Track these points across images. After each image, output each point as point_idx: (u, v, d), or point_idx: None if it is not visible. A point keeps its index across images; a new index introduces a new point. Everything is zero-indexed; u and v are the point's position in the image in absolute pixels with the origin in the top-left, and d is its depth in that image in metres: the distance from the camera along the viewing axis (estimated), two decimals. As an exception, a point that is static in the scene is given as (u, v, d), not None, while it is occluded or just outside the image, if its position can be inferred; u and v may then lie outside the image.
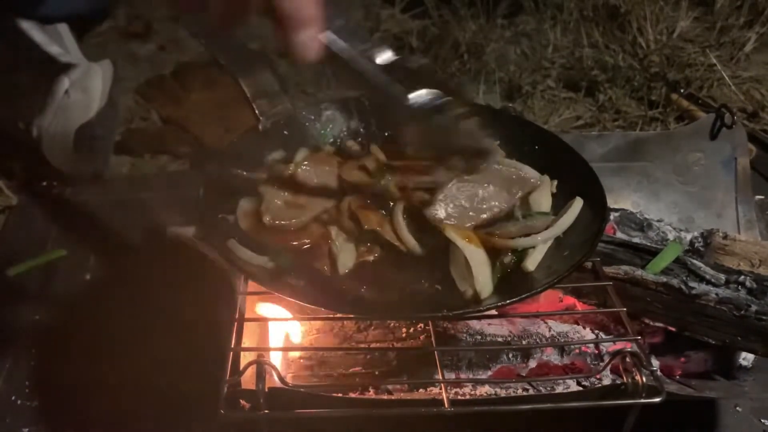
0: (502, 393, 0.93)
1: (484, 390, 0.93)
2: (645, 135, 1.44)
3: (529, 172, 0.95)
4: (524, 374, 0.99)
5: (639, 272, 0.97)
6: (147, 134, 1.66)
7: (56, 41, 1.49)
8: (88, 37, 1.66)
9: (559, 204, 0.91)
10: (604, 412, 0.80)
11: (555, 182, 0.94)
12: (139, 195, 1.43)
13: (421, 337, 0.99)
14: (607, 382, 0.93)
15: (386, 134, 1.03)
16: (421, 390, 0.95)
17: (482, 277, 0.79)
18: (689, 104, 1.71)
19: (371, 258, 0.85)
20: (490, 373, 0.99)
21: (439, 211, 0.84)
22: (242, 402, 0.77)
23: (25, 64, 1.45)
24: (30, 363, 1.10)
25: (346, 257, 0.84)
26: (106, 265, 1.28)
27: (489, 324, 1.00)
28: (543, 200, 0.92)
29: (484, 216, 0.86)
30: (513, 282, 0.82)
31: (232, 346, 0.79)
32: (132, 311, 1.16)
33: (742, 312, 0.93)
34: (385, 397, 0.94)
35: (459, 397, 0.91)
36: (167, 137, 1.65)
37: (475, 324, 1.00)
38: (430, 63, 0.80)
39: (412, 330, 1.00)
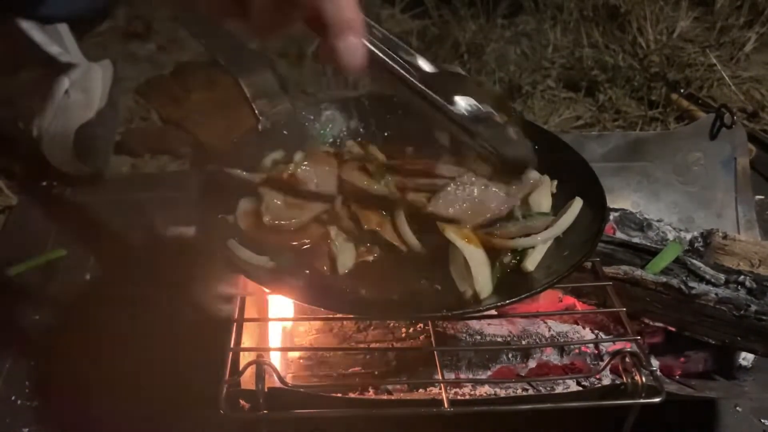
0: (502, 393, 0.93)
1: (484, 390, 0.93)
2: (645, 135, 1.43)
3: (530, 173, 0.95)
4: (524, 374, 0.99)
5: (639, 272, 0.97)
6: (147, 134, 1.66)
7: (56, 41, 1.49)
8: (88, 37, 1.66)
9: (559, 204, 0.91)
10: (604, 412, 0.80)
11: (555, 182, 0.94)
12: (139, 195, 1.43)
13: (421, 337, 0.99)
14: (606, 382, 0.93)
15: (386, 134, 1.03)
16: (420, 390, 0.95)
17: (482, 277, 0.79)
18: (689, 104, 1.71)
19: (371, 258, 0.85)
20: (489, 373, 0.99)
21: (439, 212, 0.84)
22: (242, 402, 0.77)
23: (25, 64, 1.45)
24: (30, 363, 1.10)
25: (346, 257, 0.84)
26: (106, 265, 1.28)
27: (489, 324, 1.00)
28: (543, 200, 0.92)
29: (484, 216, 0.86)
30: (513, 282, 0.82)
31: (232, 346, 0.79)
32: (132, 311, 1.16)
33: (742, 312, 0.93)
34: (385, 397, 0.94)
35: (459, 397, 0.91)
36: (167, 137, 1.65)
37: (474, 324, 1.00)
38: (471, 75, 0.80)
39: (411, 330, 1.00)
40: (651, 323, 1.00)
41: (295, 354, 0.98)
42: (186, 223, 1.25)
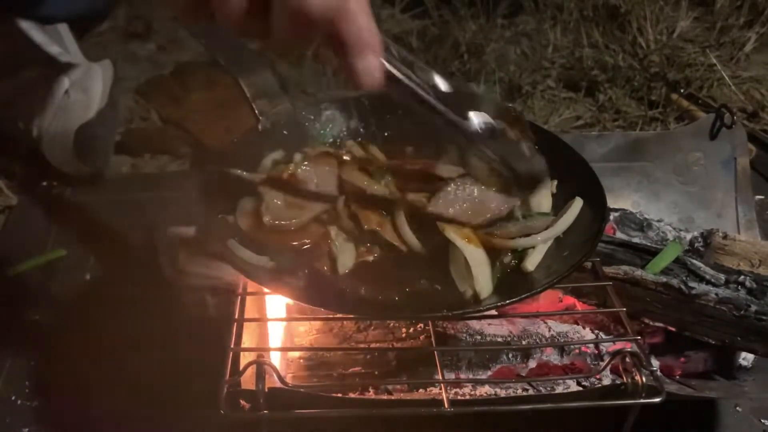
0: (502, 393, 0.93)
1: (484, 390, 0.93)
2: (645, 135, 1.43)
3: (543, 187, 0.95)
4: (524, 374, 0.99)
5: (639, 272, 0.97)
6: (147, 134, 1.66)
7: (56, 41, 1.49)
8: (88, 37, 1.66)
9: (559, 204, 0.91)
10: (604, 412, 0.80)
11: (555, 182, 0.94)
12: (139, 195, 1.43)
13: (421, 337, 0.99)
14: (607, 382, 0.93)
15: (386, 134, 1.03)
16: (420, 390, 0.95)
17: (482, 277, 0.79)
18: (689, 104, 1.71)
19: (371, 258, 0.85)
20: (489, 373, 0.99)
21: (439, 212, 0.84)
22: (242, 402, 0.77)
23: (25, 64, 1.45)
24: (30, 363, 1.10)
25: (346, 257, 0.84)
26: (106, 265, 1.28)
27: (489, 324, 1.00)
28: (543, 200, 0.92)
29: (484, 216, 0.86)
30: (513, 282, 0.82)
31: (232, 346, 0.79)
32: (132, 311, 1.16)
33: (742, 312, 0.93)
34: (385, 397, 0.94)
35: (459, 397, 0.91)
36: (167, 137, 1.65)
37: (474, 324, 1.00)
38: (484, 92, 0.83)
39: (411, 330, 1.00)
40: (651, 323, 1.00)
41: (295, 354, 0.98)
42: (186, 223, 1.25)
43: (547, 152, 0.97)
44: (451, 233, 0.81)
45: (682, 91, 1.75)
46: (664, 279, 0.96)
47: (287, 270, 0.82)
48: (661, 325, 1.00)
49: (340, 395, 0.86)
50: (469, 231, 0.82)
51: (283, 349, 0.97)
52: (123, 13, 2.08)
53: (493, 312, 0.91)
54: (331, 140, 1.03)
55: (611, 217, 1.14)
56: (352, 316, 0.96)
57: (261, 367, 0.75)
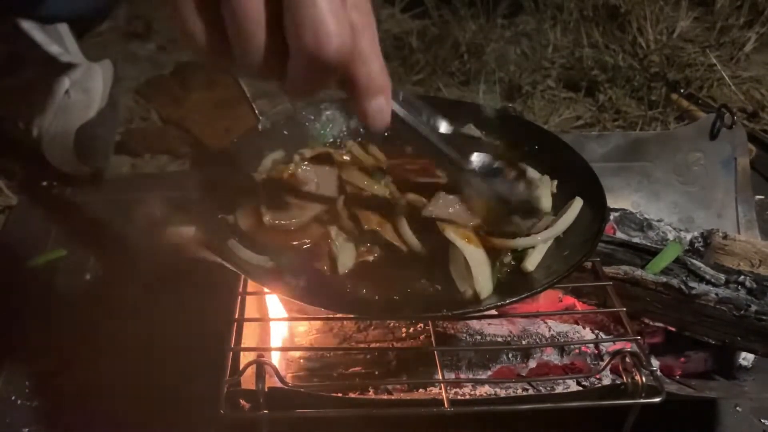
0: (502, 393, 0.93)
1: (484, 390, 0.93)
2: (645, 135, 1.44)
3: (530, 172, 0.95)
4: (524, 374, 0.99)
5: (639, 272, 0.97)
6: (147, 134, 1.66)
7: (56, 41, 1.49)
8: (89, 37, 1.66)
9: (559, 204, 0.91)
10: (604, 412, 0.80)
11: (555, 182, 0.94)
12: (139, 195, 1.43)
13: (421, 337, 0.99)
14: (606, 382, 0.93)
15: (386, 134, 1.03)
16: (420, 390, 0.95)
17: (482, 277, 0.79)
18: (689, 104, 1.71)
19: (371, 258, 0.84)
20: (489, 373, 0.99)
21: (438, 212, 0.84)
22: (242, 402, 0.77)
23: (25, 64, 1.45)
24: (30, 363, 1.10)
25: (346, 257, 0.84)
26: (106, 265, 1.28)
27: (489, 324, 1.00)
28: (543, 200, 0.92)
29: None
30: (513, 282, 0.82)
31: (232, 346, 0.79)
32: (132, 311, 1.16)
33: (742, 312, 0.93)
34: (385, 397, 0.94)
35: (459, 397, 0.91)
36: (167, 137, 1.65)
37: (474, 324, 1.00)
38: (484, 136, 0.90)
39: (411, 330, 1.00)
40: (651, 323, 1.00)
41: (295, 354, 0.98)
42: (186, 223, 1.25)
43: (547, 152, 0.98)
44: (451, 233, 0.81)
45: (682, 91, 1.75)
46: (664, 279, 0.96)
47: (287, 270, 0.82)
48: (661, 325, 1.00)
49: (340, 395, 0.86)
50: (469, 231, 0.82)
51: (283, 349, 0.97)
52: (123, 13, 2.08)
53: (493, 312, 0.91)
54: (331, 140, 1.03)
55: (611, 217, 1.14)
56: (352, 316, 0.96)
57: (261, 366, 0.75)
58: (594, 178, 0.92)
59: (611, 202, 1.05)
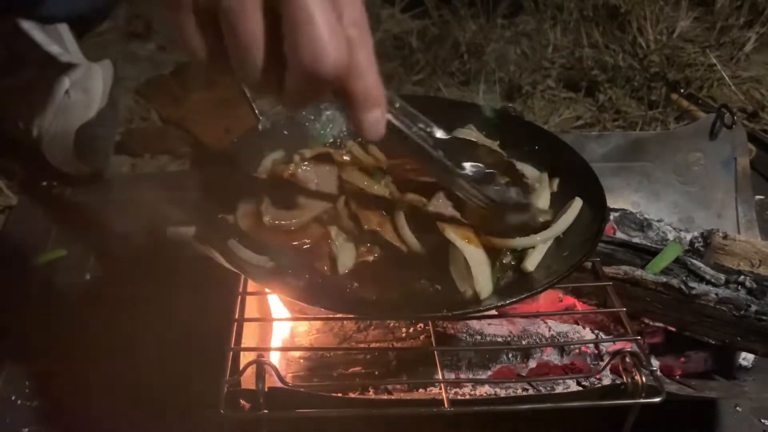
0: (502, 393, 0.93)
1: (484, 390, 0.93)
2: (645, 135, 1.44)
3: (529, 171, 0.95)
4: (524, 374, 0.99)
5: (639, 272, 0.97)
6: (147, 134, 1.66)
7: (56, 41, 1.49)
8: (89, 37, 1.66)
9: (559, 204, 0.91)
10: (604, 412, 0.80)
11: (557, 181, 0.94)
12: (139, 195, 1.43)
13: (421, 337, 0.99)
14: (606, 382, 0.93)
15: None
16: (420, 390, 0.95)
17: (482, 277, 0.79)
18: (689, 104, 1.71)
19: (371, 258, 0.85)
20: (489, 373, 0.99)
21: (438, 210, 0.84)
22: (242, 402, 0.77)
23: (25, 64, 1.45)
24: (30, 363, 1.10)
25: (346, 257, 0.84)
26: (106, 265, 1.28)
27: (489, 324, 1.00)
28: (542, 199, 0.92)
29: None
30: (513, 282, 0.82)
31: (232, 346, 0.79)
32: (132, 311, 1.16)
33: (742, 312, 0.93)
34: (385, 397, 0.94)
35: (459, 397, 0.91)
36: (167, 137, 1.65)
37: (474, 324, 1.00)
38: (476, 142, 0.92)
39: (411, 330, 1.00)
40: (651, 323, 1.00)
41: (296, 354, 0.98)
42: (186, 223, 1.25)
43: (547, 152, 0.98)
44: (451, 233, 0.81)
45: (682, 91, 1.75)
46: (664, 279, 0.96)
47: (287, 270, 0.82)
48: (661, 325, 1.00)
49: (340, 395, 0.86)
50: (469, 231, 0.82)
51: (283, 349, 0.97)
52: (123, 13, 2.08)
53: (493, 312, 0.91)
54: (331, 140, 1.03)
55: (611, 217, 1.14)
56: (352, 316, 0.96)
57: (261, 366, 0.75)
58: (594, 178, 0.92)
59: (611, 202, 1.05)
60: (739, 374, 1.04)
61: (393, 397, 0.93)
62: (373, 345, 0.99)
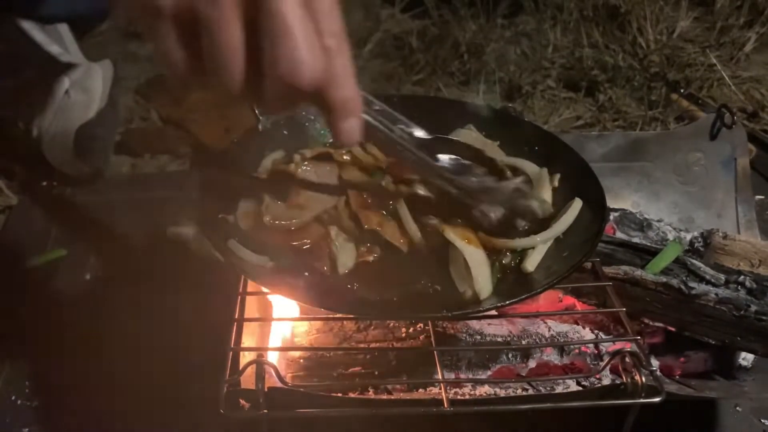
0: (502, 393, 0.93)
1: (484, 390, 0.93)
2: (645, 135, 1.44)
3: (528, 167, 0.95)
4: (524, 374, 0.99)
5: (639, 272, 0.97)
6: (147, 134, 1.66)
7: (56, 41, 1.49)
8: (89, 37, 1.66)
9: (559, 204, 0.91)
10: (604, 412, 0.80)
11: (557, 176, 0.94)
12: (139, 195, 1.43)
13: (421, 337, 0.99)
14: (606, 382, 0.93)
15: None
16: (420, 390, 0.95)
17: (482, 277, 0.79)
18: (689, 104, 1.71)
19: (371, 258, 0.85)
20: (489, 373, 0.99)
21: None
22: (242, 402, 0.77)
23: (25, 64, 1.45)
24: (30, 363, 1.10)
25: (346, 257, 0.84)
26: (106, 265, 1.28)
27: (489, 324, 1.00)
28: (543, 196, 0.92)
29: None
30: (512, 282, 0.82)
31: (232, 345, 0.79)
32: (132, 311, 1.16)
33: (742, 312, 0.93)
34: (385, 397, 0.94)
35: (458, 397, 0.91)
36: (167, 137, 1.65)
37: (474, 324, 1.00)
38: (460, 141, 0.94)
39: (411, 330, 1.00)
40: (651, 323, 1.00)
41: (295, 354, 0.98)
42: (186, 223, 1.25)
43: (547, 152, 0.98)
44: (451, 233, 0.81)
45: (682, 91, 1.75)
46: (664, 279, 0.96)
47: (287, 270, 0.82)
48: (661, 325, 1.00)
49: (340, 395, 0.86)
50: (469, 231, 0.82)
51: (283, 349, 0.97)
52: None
53: (493, 312, 0.91)
54: (331, 140, 1.03)
55: (611, 217, 1.14)
56: (352, 316, 0.96)
57: (261, 366, 0.75)
58: (594, 178, 0.92)
59: (611, 202, 1.05)
60: (739, 374, 1.04)
61: (393, 397, 0.93)
62: (372, 345, 0.99)
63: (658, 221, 1.16)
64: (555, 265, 0.82)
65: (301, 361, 0.98)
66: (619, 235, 1.12)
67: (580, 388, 0.94)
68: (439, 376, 0.82)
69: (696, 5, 2.12)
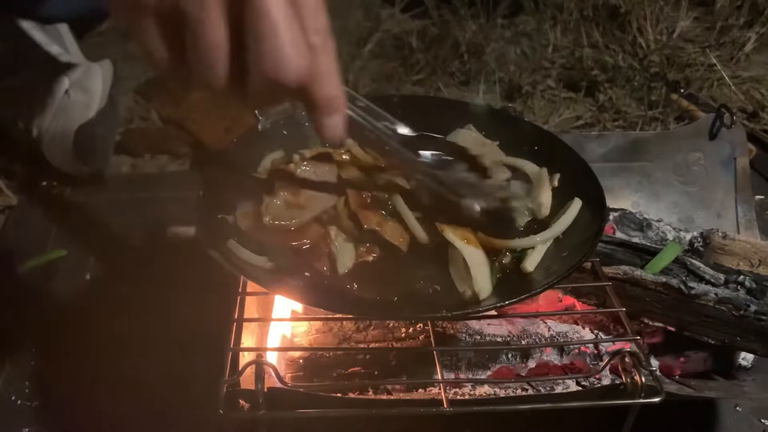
0: (502, 393, 0.93)
1: (484, 390, 0.93)
2: (645, 135, 1.44)
3: (528, 167, 0.95)
4: (523, 374, 0.99)
5: (638, 272, 0.97)
6: (147, 134, 1.66)
7: (56, 41, 1.49)
8: (88, 37, 1.66)
9: (559, 204, 0.91)
10: (604, 412, 0.80)
11: (557, 176, 0.94)
12: (139, 195, 1.43)
13: (421, 337, 0.99)
14: (606, 382, 0.93)
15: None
16: (420, 390, 0.95)
17: (481, 277, 0.79)
18: (689, 104, 1.71)
19: (371, 258, 0.84)
20: (489, 373, 0.99)
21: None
22: (241, 402, 0.77)
23: (25, 64, 1.45)
24: (30, 363, 1.10)
25: (346, 257, 0.84)
26: (106, 265, 1.29)
27: (488, 324, 1.00)
28: (543, 196, 0.92)
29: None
30: (512, 282, 0.82)
31: (231, 346, 0.79)
32: (132, 311, 1.16)
33: (742, 312, 0.93)
34: (385, 397, 0.94)
35: (458, 397, 0.91)
36: (167, 137, 1.65)
37: (474, 324, 1.00)
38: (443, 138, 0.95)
39: (411, 330, 1.00)
40: (651, 323, 1.00)
41: (295, 354, 0.98)
42: (186, 223, 1.25)
43: (546, 152, 0.98)
44: (450, 234, 0.81)
45: (682, 91, 1.75)
46: (663, 279, 0.96)
47: (287, 270, 0.82)
48: (660, 325, 1.00)
49: (339, 395, 0.86)
50: (468, 231, 0.82)
51: (283, 349, 0.97)
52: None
53: (493, 312, 0.91)
54: (330, 140, 1.03)
55: (611, 217, 1.14)
56: (351, 316, 0.96)
57: (260, 366, 0.75)
58: (593, 178, 0.92)
59: (611, 202, 1.05)
60: (738, 374, 1.04)
61: (392, 397, 0.93)
62: (372, 345, 0.99)
63: (658, 221, 1.16)
64: (554, 265, 0.82)
65: (301, 361, 0.98)
66: (619, 235, 1.12)
67: (580, 388, 0.94)
68: (439, 377, 0.82)
69: (696, 5, 2.12)
